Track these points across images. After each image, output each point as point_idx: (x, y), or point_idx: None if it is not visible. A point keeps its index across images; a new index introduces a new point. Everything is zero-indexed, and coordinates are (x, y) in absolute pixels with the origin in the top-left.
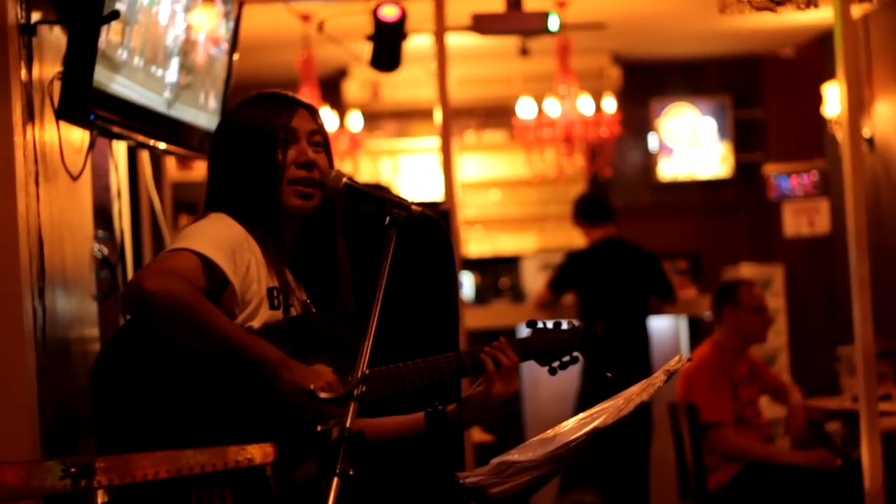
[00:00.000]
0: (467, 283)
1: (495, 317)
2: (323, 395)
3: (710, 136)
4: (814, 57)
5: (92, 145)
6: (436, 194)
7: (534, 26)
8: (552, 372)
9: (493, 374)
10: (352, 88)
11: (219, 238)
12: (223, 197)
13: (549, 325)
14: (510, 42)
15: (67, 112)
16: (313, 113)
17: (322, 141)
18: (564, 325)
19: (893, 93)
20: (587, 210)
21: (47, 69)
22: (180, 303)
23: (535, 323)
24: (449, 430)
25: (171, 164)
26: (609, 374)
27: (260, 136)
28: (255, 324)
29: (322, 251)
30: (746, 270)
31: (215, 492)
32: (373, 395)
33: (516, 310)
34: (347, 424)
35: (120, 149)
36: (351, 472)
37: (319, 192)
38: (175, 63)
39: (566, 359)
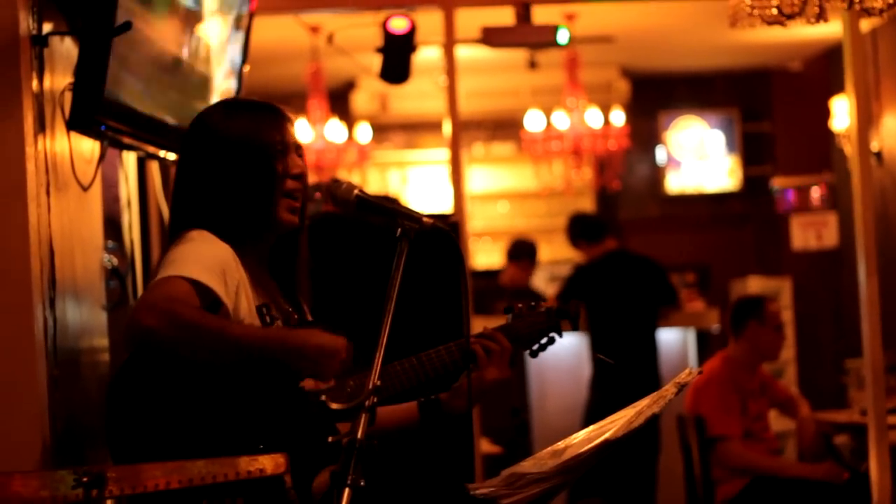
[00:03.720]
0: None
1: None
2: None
3: (719, 149)
4: (822, 71)
5: (102, 156)
6: (444, 206)
7: (543, 39)
8: (533, 355)
9: (485, 361)
10: (360, 100)
11: (208, 260)
12: (209, 212)
13: (525, 309)
14: (519, 55)
15: (78, 123)
16: (293, 123)
17: (302, 151)
18: (542, 309)
19: None
20: (584, 230)
21: (58, 80)
22: (183, 326)
23: (512, 308)
24: (444, 420)
25: None
26: (601, 357)
27: (257, 149)
28: None
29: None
30: (754, 283)
31: (227, 502)
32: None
33: None
34: (359, 435)
35: (130, 159)
36: (362, 483)
37: (305, 206)
38: (186, 74)
39: (544, 341)
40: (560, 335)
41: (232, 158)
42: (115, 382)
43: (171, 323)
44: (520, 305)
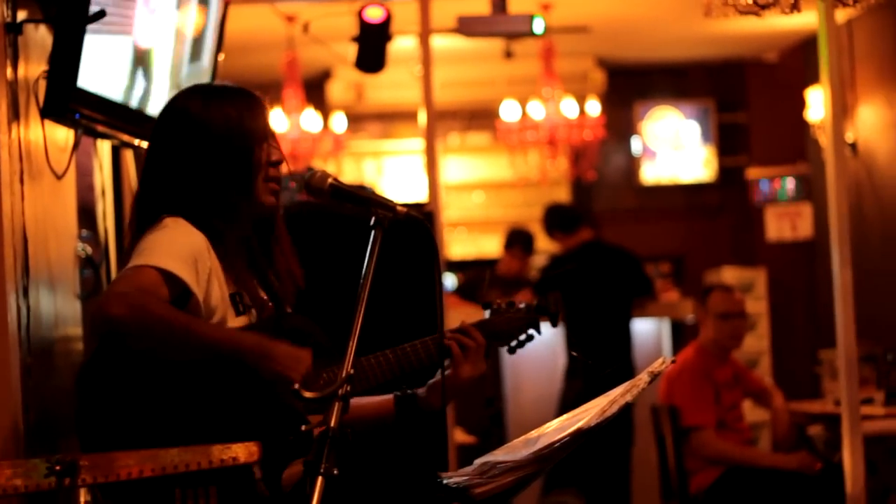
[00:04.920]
0: (450, 286)
1: (478, 318)
2: (307, 394)
3: (694, 139)
4: (797, 61)
5: (76, 144)
6: (419, 196)
7: (519, 29)
8: (511, 351)
9: (460, 357)
10: (336, 90)
11: (180, 248)
12: (187, 200)
13: (504, 305)
14: (494, 44)
15: (52, 111)
16: (268, 109)
17: (277, 139)
18: (521, 305)
19: (876, 97)
20: (561, 220)
21: (33, 68)
22: (150, 320)
23: (491, 304)
24: (419, 414)
25: None
26: (574, 353)
27: (240, 137)
28: None
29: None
30: (729, 274)
31: (199, 490)
32: None
33: None
34: (332, 424)
35: (104, 148)
36: (335, 472)
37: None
38: (160, 63)
39: (522, 337)
40: (539, 332)
41: (215, 148)
42: (85, 371)
43: (139, 315)
44: (499, 301)
